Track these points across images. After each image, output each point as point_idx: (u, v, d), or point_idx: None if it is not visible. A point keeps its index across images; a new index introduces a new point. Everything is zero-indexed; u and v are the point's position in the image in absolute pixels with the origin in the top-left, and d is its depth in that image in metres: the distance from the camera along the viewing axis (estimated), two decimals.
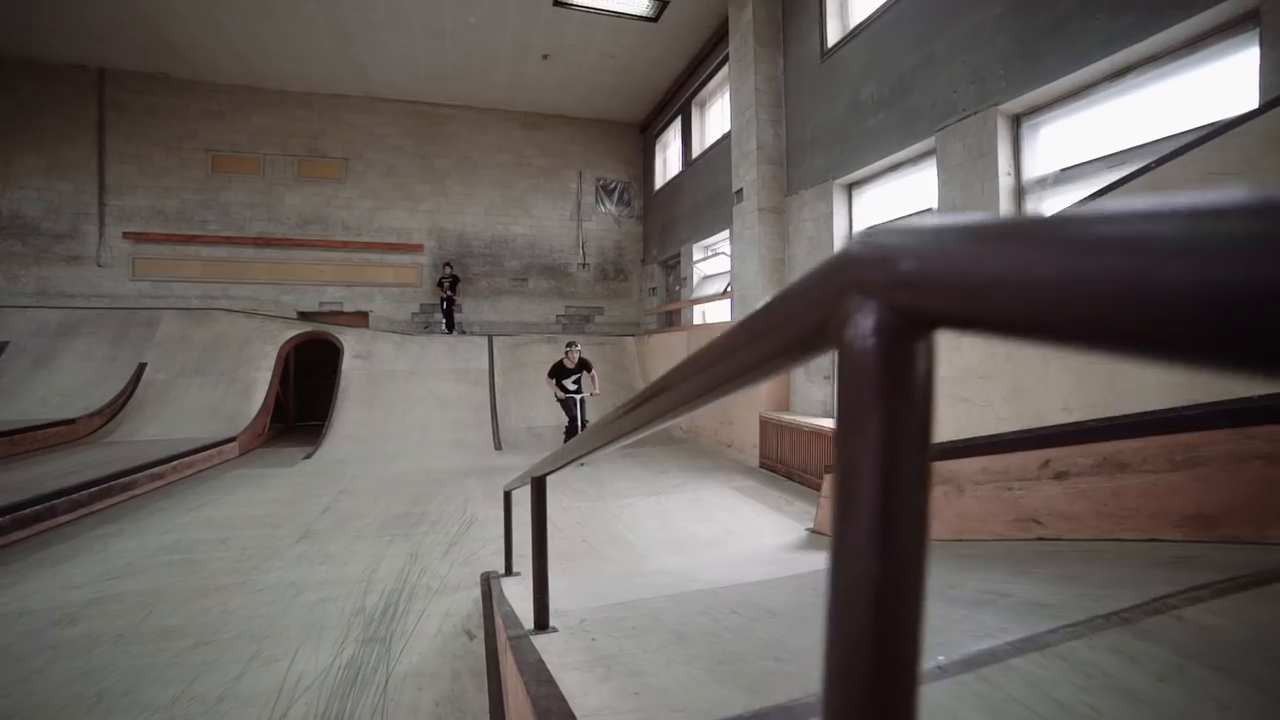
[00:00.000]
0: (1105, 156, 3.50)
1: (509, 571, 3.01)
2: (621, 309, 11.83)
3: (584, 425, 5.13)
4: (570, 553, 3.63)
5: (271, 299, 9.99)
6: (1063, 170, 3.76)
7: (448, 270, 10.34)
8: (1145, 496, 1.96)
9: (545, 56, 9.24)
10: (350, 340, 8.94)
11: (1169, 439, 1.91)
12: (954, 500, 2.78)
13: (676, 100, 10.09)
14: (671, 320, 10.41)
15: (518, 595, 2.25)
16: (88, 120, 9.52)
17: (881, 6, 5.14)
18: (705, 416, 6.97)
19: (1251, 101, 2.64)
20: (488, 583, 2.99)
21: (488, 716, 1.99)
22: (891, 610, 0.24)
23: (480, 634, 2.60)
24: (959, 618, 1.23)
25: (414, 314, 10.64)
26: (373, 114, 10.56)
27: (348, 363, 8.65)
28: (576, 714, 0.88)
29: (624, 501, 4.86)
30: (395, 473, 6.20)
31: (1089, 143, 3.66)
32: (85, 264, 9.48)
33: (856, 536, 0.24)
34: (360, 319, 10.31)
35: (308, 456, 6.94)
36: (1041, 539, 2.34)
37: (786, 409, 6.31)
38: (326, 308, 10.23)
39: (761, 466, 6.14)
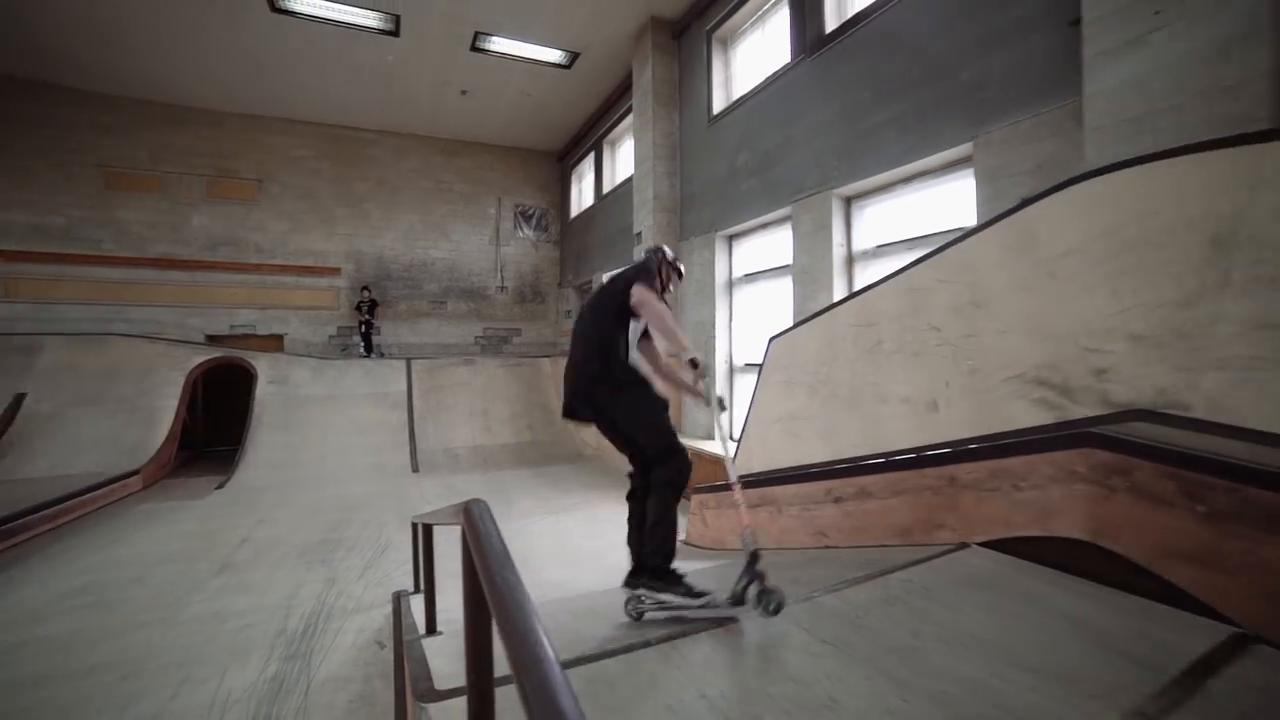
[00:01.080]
0: (905, 240, 4.48)
1: (417, 589, 3.50)
2: (538, 330, 12.33)
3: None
4: None
5: (176, 322, 9.70)
6: (878, 246, 4.74)
7: (366, 295, 10.45)
8: (878, 516, 2.79)
9: (464, 92, 9.66)
10: (264, 365, 8.89)
11: (889, 475, 2.75)
12: (776, 518, 3.58)
13: (591, 136, 10.76)
14: None
15: (421, 610, 2.77)
16: None
17: (753, 89, 6.04)
18: None
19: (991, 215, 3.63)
20: (398, 600, 3.47)
21: (393, 710, 2.51)
22: (479, 627, 0.87)
23: (390, 644, 3.10)
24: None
25: (331, 336, 10.64)
26: (289, 135, 10.50)
27: (262, 388, 8.61)
28: (433, 678, 1.48)
29: (527, 520, 5.42)
30: (312, 499, 6.40)
31: (898, 226, 4.64)
32: None
33: (469, 595, 0.87)
34: (275, 342, 10.20)
35: (220, 486, 6.95)
36: (827, 547, 3.15)
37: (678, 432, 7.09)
38: (238, 331, 10.04)
39: None
